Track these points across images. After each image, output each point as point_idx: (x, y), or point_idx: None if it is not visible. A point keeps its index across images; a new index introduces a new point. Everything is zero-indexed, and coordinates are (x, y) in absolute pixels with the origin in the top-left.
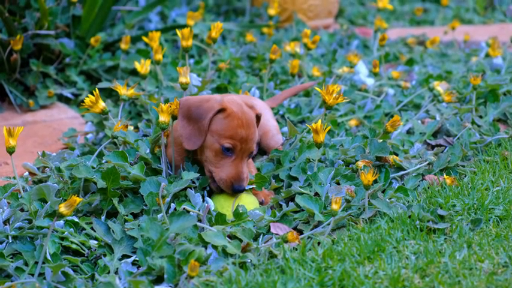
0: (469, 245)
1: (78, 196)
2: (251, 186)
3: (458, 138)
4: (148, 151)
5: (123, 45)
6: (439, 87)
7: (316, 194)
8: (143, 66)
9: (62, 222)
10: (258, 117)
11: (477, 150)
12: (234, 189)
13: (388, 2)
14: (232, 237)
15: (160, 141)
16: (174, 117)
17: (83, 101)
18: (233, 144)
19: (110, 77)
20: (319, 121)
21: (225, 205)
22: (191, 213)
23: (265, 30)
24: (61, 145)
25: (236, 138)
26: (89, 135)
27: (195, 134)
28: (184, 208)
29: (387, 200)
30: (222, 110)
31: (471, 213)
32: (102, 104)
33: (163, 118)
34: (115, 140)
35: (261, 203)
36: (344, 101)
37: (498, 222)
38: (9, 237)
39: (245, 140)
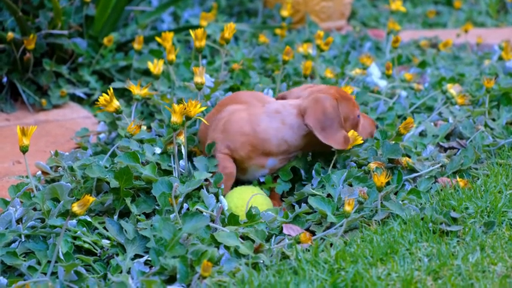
0: (482, 247)
1: (91, 196)
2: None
3: (471, 141)
4: (156, 151)
5: (136, 46)
6: (452, 89)
7: (329, 195)
8: (156, 66)
9: (74, 221)
10: None
11: (490, 153)
12: (377, 128)
13: (401, 4)
14: (244, 238)
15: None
16: (188, 118)
17: (96, 101)
18: (358, 107)
19: (122, 77)
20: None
21: (239, 204)
22: (204, 213)
23: (277, 31)
24: (73, 145)
25: (357, 105)
26: (102, 135)
27: (338, 134)
28: (197, 209)
29: (400, 202)
30: (337, 99)
31: (484, 216)
32: (116, 103)
33: (175, 119)
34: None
35: None
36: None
37: (511, 225)
38: (22, 236)
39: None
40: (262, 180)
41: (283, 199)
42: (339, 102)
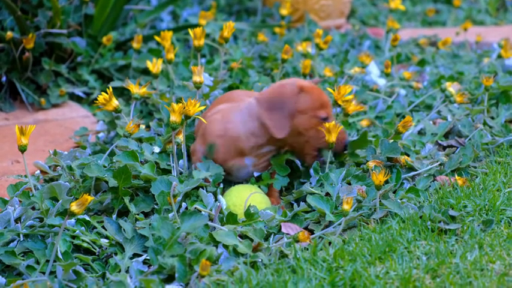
0: (480, 245)
1: (89, 195)
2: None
3: (469, 139)
4: (155, 150)
5: (135, 45)
6: (451, 88)
7: (327, 194)
8: (155, 65)
9: (73, 220)
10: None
11: (489, 151)
12: (345, 145)
13: (400, 2)
14: (243, 236)
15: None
16: (187, 117)
17: (95, 100)
18: (327, 112)
19: (121, 76)
20: (333, 121)
21: (237, 203)
22: (202, 212)
23: (277, 30)
24: (72, 144)
25: (327, 106)
26: (100, 134)
27: (283, 121)
28: (195, 208)
29: (398, 200)
30: (303, 90)
31: (482, 214)
32: (115, 102)
33: (174, 118)
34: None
35: None
36: (362, 109)
37: (510, 223)
38: (21, 236)
39: (330, 103)
40: (256, 174)
41: (281, 197)
42: (301, 93)
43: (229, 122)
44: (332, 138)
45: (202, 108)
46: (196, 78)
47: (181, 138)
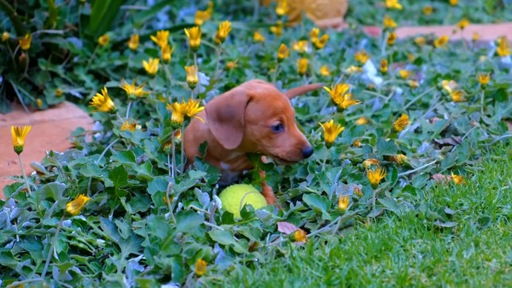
0: (476, 244)
1: (85, 195)
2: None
3: (466, 137)
4: (154, 149)
5: (131, 45)
6: (447, 86)
7: (324, 193)
8: (151, 65)
9: (69, 221)
10: None
11: (485, 149)
12: (306, 153)
13: (397, 1)
14: (239, 236)
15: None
16: (186, 117)
17: (91, 100)
18: (280, 118)
19: (118, 76)
20: (332, 121)
21: (232, 203)
22: (198, 212)
23: (273, 29)
24: (69, 144)
25: (278, 112)
26: (97, 135)
27: (232, 132)
28: (191, 207)
29: (395, 199)
30: (251, 99)
31: (479, 212)
32: (110, 103)
33: (176, 117)
34: (123, 139)
35: None
36: (357, 103)
37: (506, 221)
38: (17, 236)
39: (285, 108)
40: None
41: (277, 196)
42: (251, 102)
43: (197, 130)
44: (332, 138)
45: (202, 109)
46: (190, 78)
47: (179, 138)
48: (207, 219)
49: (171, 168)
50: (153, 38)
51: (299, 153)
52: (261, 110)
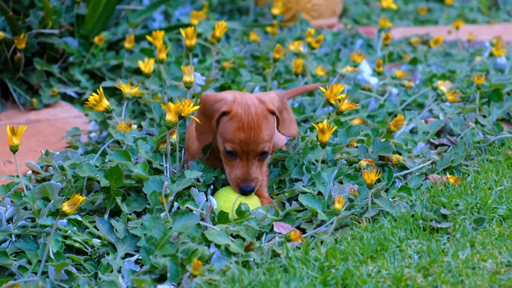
0: (472, 244)
1: (81, 195)
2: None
3: (461, 137)
4: (149, 149)
5: (127, 44)
6: (443, 86)
7: (319, 193)
8: (147, 65)
9: (65, 220)
10: (272, 113)
11: (480, 150)
12: (241, 190)
13: (392, 1)
14: (235, 236)
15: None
16: (181, 117)
17: (86, 100)
18: (233, 147)
19: (113, 76)
20: (325, 121)
21: (224, 207)
22: (194, 212)
23: (269, 29)
24: (64, 144)
25: (235, 142)
26: (93, 134)
27: (207, 130)
28: (187, 207)
29: (390, 199)
30: (226, 113)
31: (474, 213)
32: (105, 103)
33: (170, 117)
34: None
35: None
36: (355, 107)
37: (501, 222)
38: (13, 236)
39: (245, 142)
40: None
41: (273, 196)
42: (226, 117)
43: (191, 133)
44: (325, 138)
45: (196, 108)
46: (186, 78)
47: (175, 138)
48: (202, 219)
49: (166, 167)
50: (149, 38)
51: (237, 186)
52: (225, 129)
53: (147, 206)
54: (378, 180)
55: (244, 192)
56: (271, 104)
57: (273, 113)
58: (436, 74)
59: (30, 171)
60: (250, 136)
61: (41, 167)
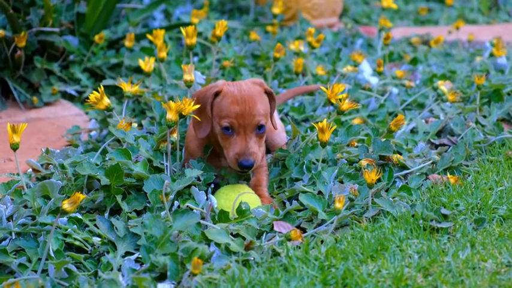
0: (472, 244)
1: (81, 193)
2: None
3: (462, 137)
4: (149, 147)
5: (127, 43)
6: (443, 86)
7: (320, 192)
8: (147, 63)
9: (65, 219)
10: (268, 93)
11: (481, 150)
12: (240, 165)
13: (392, 1)
14: (235, 235)
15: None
16: (181, 116)
17: (87, 98)
18: (230, 122)
19: (114, 75)
20: (325, 120)
21: (225, 206)
22: (195, 210)
23: (269, 28)
24: (65, 142)
25: (231, 116)
26: (93, 133)
27: (204, 121)
28: (187, 206)
29: (391, 199)
30: (218, 93)
31: (474, 213)
32: (106, 101)
33: (171, 116)
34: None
35: None
36: (356, 107)
37: (501, 222)
38: (13, 234)
39: (241, 115)
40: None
41: (273, 195)
42: (218, 97)
43: (189, 132)
44: (325, 137)
45: (197, 107)
46: (186, 77)
47: (175, 136)
48: (203, 218)
49: (166, 166)
50: (149, 37)
51: (236, 162)
52: (220, 107)
53: (148, 205)
54: (378, 180)
55: (244, 167)
56: (267, 87)
57: (269, 93)
58: (436, 74)
59: (31, 169)
60: (245, 108)
61: (41, 165)
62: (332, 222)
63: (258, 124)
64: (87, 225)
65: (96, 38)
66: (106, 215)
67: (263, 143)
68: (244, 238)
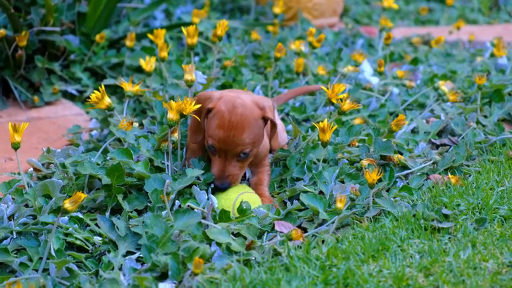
0: (473, 244)
1: (82, 192)
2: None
3: (463, 137)
4: (150, 147)
5: (128, 42)
6: (444, 86)
7: (321, 192)
8: (148, 63)
9: (66, 218)
10: (266, 120)
11: (482, 150)
12: (216, 187)
13: (393, 1)
14: (236, 234)
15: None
16: (182, 116)
17: (88, 98)
18: (213, 143)
19: (114, 74)
20: (326, 120)
21: (225, 206)
22: (196, 210)
23: (270, 28)
24: (66, 141)
25: (214, 138)
26: (94, 132)
27: (198, 129)
28: (188, 205)
29: (392, 198)
30: (211, 109)
31: (476, 213)
32: (107, 100)
33: (172, 115)
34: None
35: None
36: (357, 107)
37: (503, 222)
38: (14, 233)
39: (224, 141)
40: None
41: (274, 195)
42: (211, 113)
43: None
44: (326, 137)
45: (198, 106)
46: (187, 77)
47: (176, 136)
48: (204, 218)
49: (167, 166)
50: (150, 36)
51: (212, 181)
52: (209, 124)
53: (149, 204)
54: (379, 180)
55: (217, 189)
56: (269, 112)
57: (267, 120)
58: (437, 74)
59: (32, 169)
60: (229, 135)
61: (42, 165)
62: (333, 222)
63: (240, 152)
64: (88, 225)
65: (97, 37)
66: (107, 214)
67: (247, 163)
68: (245, 238)
